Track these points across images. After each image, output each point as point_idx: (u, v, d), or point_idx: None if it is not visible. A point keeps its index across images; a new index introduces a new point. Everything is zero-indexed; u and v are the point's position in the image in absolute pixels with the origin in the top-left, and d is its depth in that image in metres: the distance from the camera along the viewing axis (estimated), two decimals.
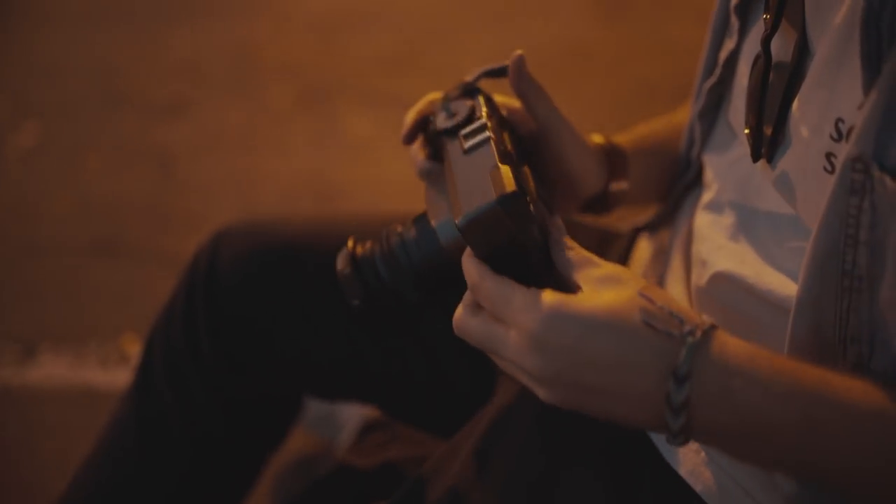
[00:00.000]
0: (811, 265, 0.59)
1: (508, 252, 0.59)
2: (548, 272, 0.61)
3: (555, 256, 0.61)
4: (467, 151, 0.65)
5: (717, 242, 0.75)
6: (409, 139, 0.79)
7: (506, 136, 0.71)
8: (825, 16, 0.62)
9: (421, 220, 0.73)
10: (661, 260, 0.88)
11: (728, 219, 0.75)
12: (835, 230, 0.57)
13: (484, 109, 0.70)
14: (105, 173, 2.10)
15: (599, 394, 0.56)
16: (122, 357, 1.62)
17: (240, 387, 0.98)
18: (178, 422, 0.98)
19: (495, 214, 0.58)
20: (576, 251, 0.60)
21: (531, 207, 0.60)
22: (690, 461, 0.71)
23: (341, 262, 0.75)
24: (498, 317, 0.58)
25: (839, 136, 0.59)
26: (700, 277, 0.75)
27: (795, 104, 0.64)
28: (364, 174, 2.08)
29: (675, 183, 0.89)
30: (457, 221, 0.59)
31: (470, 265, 0.60)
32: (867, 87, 0.55)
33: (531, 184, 0.66)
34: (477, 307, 0.60)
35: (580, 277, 0.59)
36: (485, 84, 0.79)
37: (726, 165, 0.78)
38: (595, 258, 0.60)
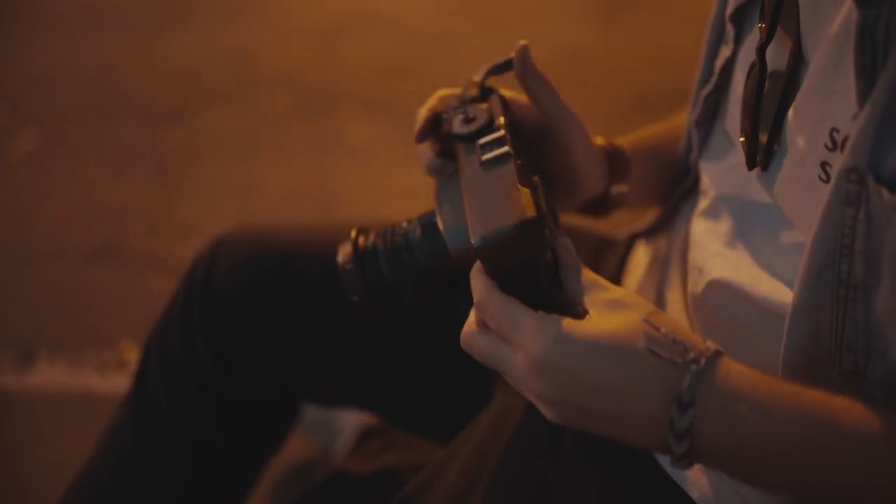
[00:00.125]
0: (807, 274, 0.59)
1: (519, 273, 0.60)
2: (555, 292, 0.61)
3: (563, 278, 0.61)
4: (485, 164, 0.64)
5: (713, 249, 0.75)
6: (422, 138, 0.77)
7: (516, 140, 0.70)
8: (820, 26, 0.62)
9: (428, 220, 0.73)
10: (657, 267, 0.88)
11: (724, 226, 0.75)
12: (830, 240, 0.57)
13: (502, 119, 0.69)
14: (103, 180, 2.11)
15: (604, 417, 0.57)
16: (119, 363, 1.62)
17: (237, 393, 0.98)
18: (175, 428, 0.97)
19: (512, 239, 0.58)
20: (584, 274, 0.61)
21: (547, 232, 0.60)
22: None
23: (342, 256, 0.74)
24: (503, 337, 0.59)
25: (834, 146, 0.59)
26: (696, 285, 0.75)
27: (791, 113, 0.64)
28: (363, 181, 2.08)
29: (674, 187, 0.89)
30: (472, 240, 0.59)
31: (478, 281, 0.60)
32: (861, 98, 0.55)
33: (542, 198, 0.65)
34: (485, 324, 0.61)
35: (587, 300, 0.59)
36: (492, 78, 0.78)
37: (723, 172, 0.78)
38: (603, 281, 0.60)
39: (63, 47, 2.59)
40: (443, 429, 0.89)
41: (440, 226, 0.70)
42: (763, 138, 0.67)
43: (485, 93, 0.75)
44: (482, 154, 0.65)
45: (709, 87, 0.80)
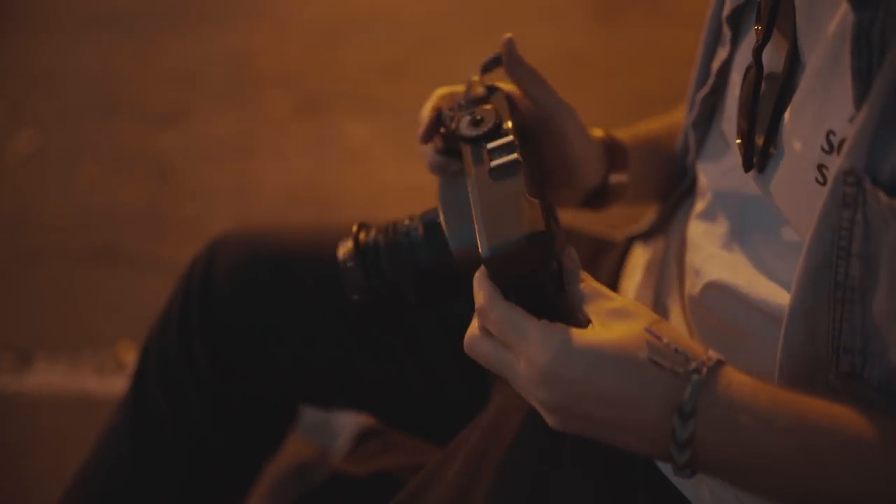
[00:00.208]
0: (804, 276, 0.59)
1: (524, 282, 0.60)
2: (557, 299, 0.61)
3: (567, 287, 0.62)
4: (494, 170, 0.63)
5: (710, 251, 0.75)
6: (428, 138, 0.77)
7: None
8: (816, 28, 0.62)
9: (431, 219, 0.73)
10: (655, 269, 0.88)
11: (721, 227, 0.76)
12: (827, 242, 0.57)
13: (510, 123, 0.68)
14: (102, 181, 2.10)
15: (606, 426, 0.57)
16: (118, 364, 1.62)
17: (235, 394, 0.98)
18: (172, 429, 0.97)
19: (521, 251, 0.58)
20: (588, 283, 0.61)
21: (555, 245, 0.60)
22: None
23: (343, 252, 0.74)
24: (506, 344, 0.59)
25: (830, 149, 0.59)
26: (693, 286, 0.76)
27: (787, 115, 0.64)
28: (361, 182, 2.08)
29: (671, 184, 0.89)
30: (480, 249, 0.59)
31: (481, 287, 0.60)
32: (858, 100, 0.55)
33: (548, 203, 0.65)
34: (488, 329, 0.61)
35: (591, 310, 0.59)
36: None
37: (720, 174, 0.78)
38: (606, 291, 0.60)
39: (61, 49, 2.59)
40: (441, 430, 0.89)
41: (443, 226, 0.70)
42: (759, 140, 0.67)
43: (490, 91, 0.74)
44: (491, 159, 0.64)
45: (705, 89, 0.80)
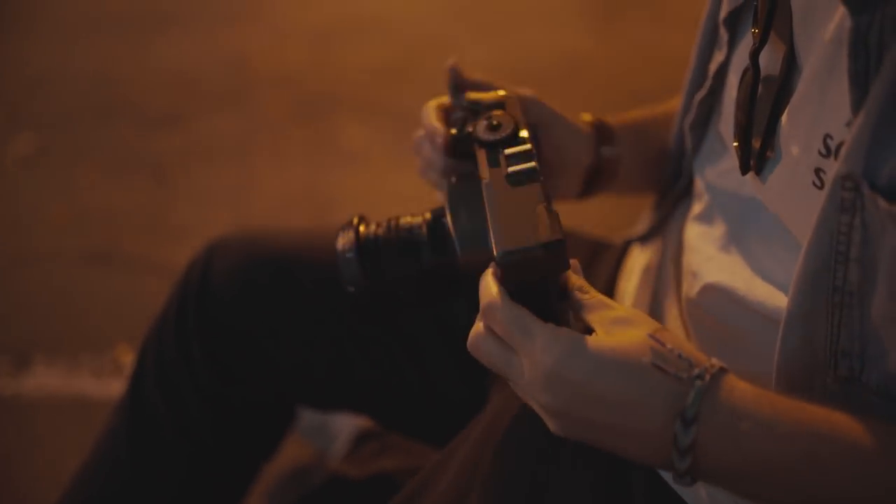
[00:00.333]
0: (802, 281, 0.59)
1: (532, 287, 0.60)
2: (559, 307, 0.61)
3: (569, 296, 0.61)
4: (511, 176, 0.64)
5: (707, 253, 0.75)
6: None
7: None
8: (813, 31, 0.62)
9: (436, 219, 0.72)
10: (652, 272, 0.88)
11: (718, 230, 0.76)
12: (825, 246, 0.57)
13: (526, 131, 0.68)
14: (99, 184, 2.10)
15: (608, 431, 0.57)
16: (115, 367, 1.62)
17: (232, 397, 0.98)
18: (170, 432, 0.97)
19: (537, 257, 0.58)
20: (590, 294, 0.61)
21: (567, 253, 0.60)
22: None
23: (343, 242, 0.73)
24: (511, 346, 0.59)
25: (827, 152, 0.59)
26: (691, 289, 0.76)
27: (784, 118, 0.64)
28: (359, 185, 2.08)
29: (665, 172, 0.89)
30: (495, 251, 0.59)
31: (489, 287, 0.60)
32: (855, 105, 0.55)
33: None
34: (492, 329, 0.60)
35: (593, 319, 0.59)
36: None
37: (717, 176, 0.78)
38: (608, 301, 0.60)
39: (59, 51, 2.59)
40: (438, 432, 0.89)
41: (450, 227, 0.70)
42: (756, 143, 0.67)
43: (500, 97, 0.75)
44: (508, 165, 0.65)
45: (703, 92, 0.80)
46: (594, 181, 0.86)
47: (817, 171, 0.60)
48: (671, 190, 0.88)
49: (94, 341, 1.67)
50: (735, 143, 0.70)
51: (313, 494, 1.07)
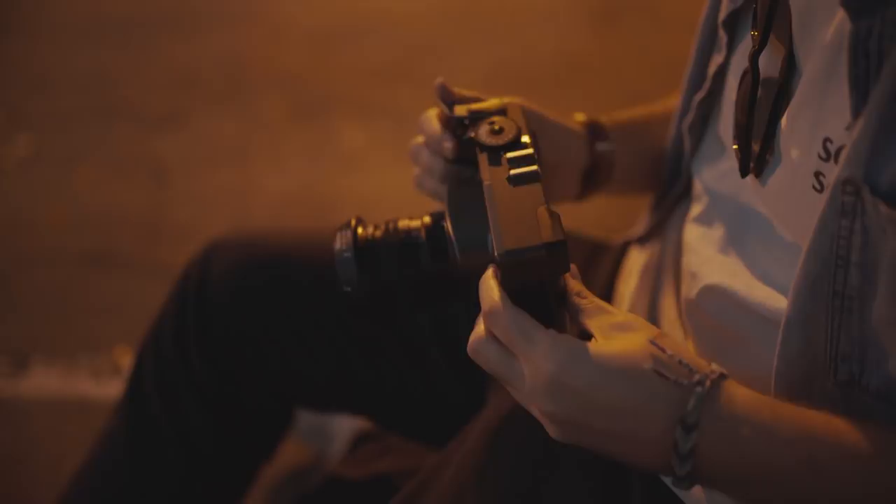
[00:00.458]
0: (801, 285, 0.59)
1: (532, 290, 0.60)
2: (558, 311, 0.61)
3: (568, 301, 0.61)
4: (513, 179, 0.64)
5: (706, 255, 0.75)
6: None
7: None
8: (812, 34, 0.62)
9: (435, 222, 0.72)
10: (651, 273, 0.88)
11: (718, 232, 0.76)
12: (825, 251, 0.57)
13: (527, 136, 0.69)
14: (98, 185, 2.10)
15: (608, 437, 0.57)
16: (114, 369, 1.62)
17: (231, 398, 0.98)
18: (168, 433, 0.97)
19: (538, 259, 0.58)
20: (590, 300, 0.61)
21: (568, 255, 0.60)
22: None
23: (341, 242, 0.73)
24: (513, 351, 0.59)
25: (827, 156, 0.59)
26: (690, 290, 0.76)
27: (784, 121, 0.64)
28: (357, 186, 2.08)
29: (662, 172, 0.89)
30: (496, 252, 0.59)
31: (491, 291, 0.60)
32: (855, 110, 0.55)
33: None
34: (493, 334, 0.60)
35: (593, 324, 0.59)
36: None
37: (716, 178, 0.78)
38: (607, 306, 0.60)
39: (59, 52, 2.59)
40: (437, 433, 0.89)
41: (450, 230, 0.70)
42: (756, 146, 0.67)
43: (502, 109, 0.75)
44: (509, 168, 0.65)
45: (702, 93, 0.80)
46: (591, 180, 0.86)
47: (817, 174, 0.60)
48: (670, 191, 0.88)
49: (92, 342, 1.67)
50: (735, 146, 0.70)
51: (312, 496, 1.07)
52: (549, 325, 0.58)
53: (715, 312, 0.73)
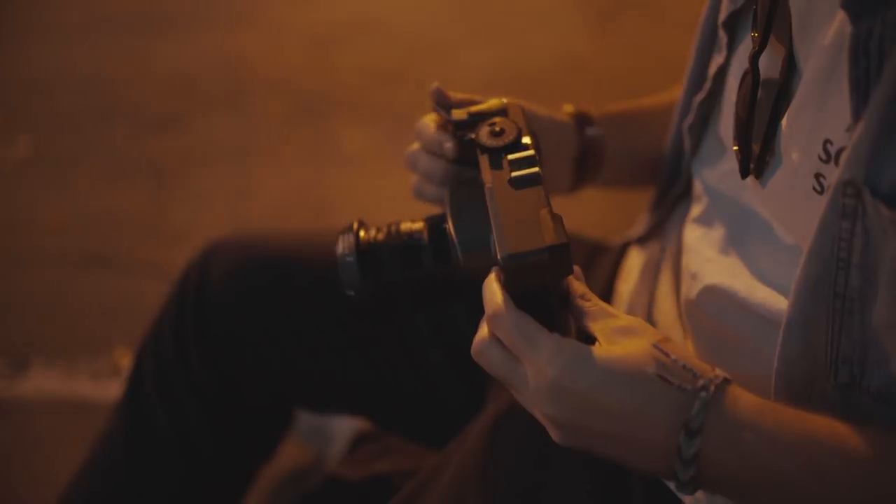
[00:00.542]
0: (802, 287, 0.59)
1: (535, 293, 0.60)
2: (561, 314, 0.61)
3: (572, 303, 0.62)
4: (514, 181, 0.63)
5: (706, 255, 0.75)
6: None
7: None
8: (812, 36, 0.62)
9: (437, 224, 0.72)
10: (650, 273, 0.88)
11: (718, 232, 0.76)
12: (826, 252, 0.57)
13: (528, 137, 0.68)
14: (97, 186, 2.10)
15: (611, 441, 0.57)
16: (113, 370, 1.62)
17: (230, 399, 0.98)
18: (168, 434, 0.97)
19: (541, 262, 0.58)
20: (593, 303, 0.61)
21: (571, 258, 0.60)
22: None
23: (343, 246, 0.73)
24: (516, 354, 0.59)
25: (827, 158, 0.59)
26: (690, 290, 0.76)
27: (784, 122, 0.64)
28: (357, 187, 2.08)
29: (663, 172, 0.89)
30: (499, 255, 0.59)
31: (494, 294, 0.60)
32: (856, 112, 0.55)
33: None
34: (497, 337, 0.60)
35: (596, 328, 0.59)
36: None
37: (716, 179, 0.78)
38: (611, 309, 0.60)
39: (56, 54, 2.58)
40: (437, 434, 0.89)
41: (451, 232, 0.70)
42: (756, 147, 0.67)
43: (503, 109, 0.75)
44: (511, 170, 0.64)
45: (702, 94, 0.80)
46: (583, 167, 0.86)
47: (817, 176, 0.60)
48: (669, 191, 0.88)
49: (92, 343, 1.67)
50: (735, 147, 0.70)
51: (311, 496, 1.07)
52: (552, 328, 0.58)
53: (715, 313, 0.73)
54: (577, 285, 0.62)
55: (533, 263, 0.58)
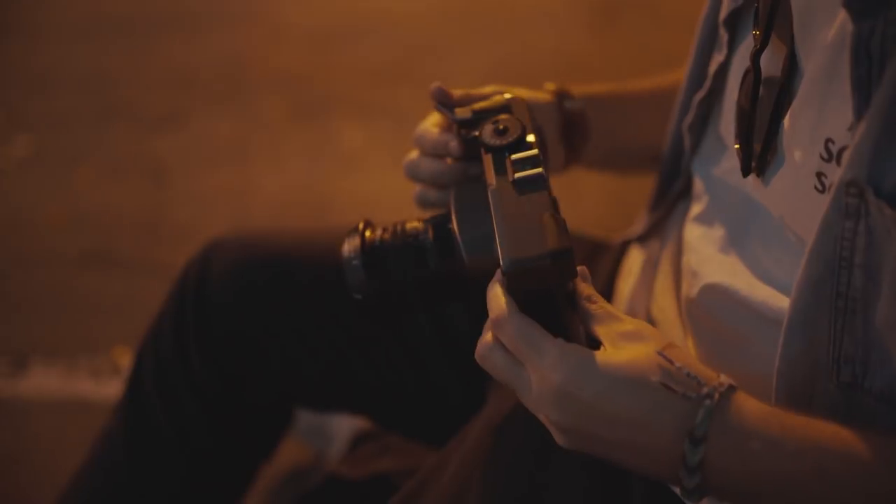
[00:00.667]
0: (804, 286, 0.59)
1: (539, 297, 0.60)
2: (567, 317, 0.61)
3: (578, 306, 0.61)
4: (518, 182, 0.63)
5: (707, 254, 0.75)
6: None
7: None
8: (813, 34, 0.62)
9: (442, 224, 0.72)
10: (650, 272, 0.88)
11: (718, 231, 0.75)
12: (829, 252, 0.57)
13: (533, 136, 0.68)
14: (97, 185, 2.10)
15: (616, 447, 0.57)
16: (113, 369, 1.62)
17: (230, 398, 0.98)
18: (168, 433, 0.97)
19: (544, 267, 0.58)
20: (599, 305, 0.61)
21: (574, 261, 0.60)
22: None
23: (349, 249, 0.72)
24: (520, 359, 0.59)
25: (829, 157, 0.59)
26: (691, 289, 0.75)
27: (786, 121, 0.64)
28: (357, 186, 2.08)
29: (663, 171, 0.89)
30: (501, 260, 0.59)
31: (498, 298, 0.60)
32: (857, 111, 0.55)
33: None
34: (501, 341, 0.60)
35: (601, 331, 0.59)
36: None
37: (717, 177, 0.78)
38: (617, 313, 0.60)
39: (57, 53, 2.58)
40: (437, 433, 0.89)
41: (456, 232, 0.70)
42: (757, 146, 0.67)
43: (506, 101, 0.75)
44: (514, 171, 0.64)
45: (702, 92, 0.80)
46: (570, 141, 0.86)
47: (819, 175, 0.60)
48: (669, 190, 0.88)
49: (92, 342, 1.67)
50: (736, 145, 0.70)
51: (311, 495, 1.07)
52: (558, 331, 0.58)
53: (716, 311, 0.73)
54: (584, 286, 0.61)
55: (535, 268, 0.58)
